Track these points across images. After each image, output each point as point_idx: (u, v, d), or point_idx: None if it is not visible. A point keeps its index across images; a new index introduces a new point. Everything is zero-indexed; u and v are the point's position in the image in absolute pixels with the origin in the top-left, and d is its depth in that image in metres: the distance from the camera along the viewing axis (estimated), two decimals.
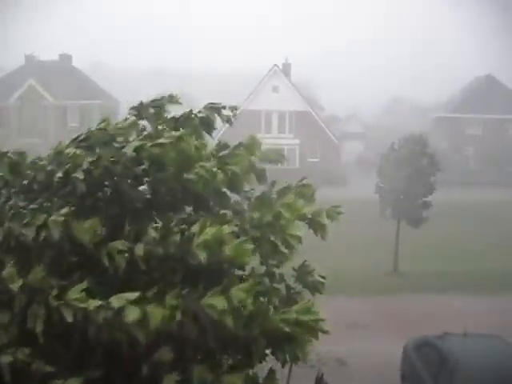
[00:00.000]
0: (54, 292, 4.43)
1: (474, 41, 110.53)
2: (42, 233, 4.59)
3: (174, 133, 5.03)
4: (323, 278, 5.90)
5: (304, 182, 5.79)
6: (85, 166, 4.82)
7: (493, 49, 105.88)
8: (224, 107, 5.80)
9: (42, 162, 5.23)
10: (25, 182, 5.17)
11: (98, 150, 5.05)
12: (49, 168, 5.12)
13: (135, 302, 4.24)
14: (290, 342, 4.83)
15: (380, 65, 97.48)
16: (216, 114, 5.78)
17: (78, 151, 4.99)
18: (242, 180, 5.17)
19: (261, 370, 5.17)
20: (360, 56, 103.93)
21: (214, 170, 4.92)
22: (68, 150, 5.08)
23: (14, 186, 5.23)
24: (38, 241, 4.65)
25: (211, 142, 5.65)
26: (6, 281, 4.52)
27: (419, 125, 51.69)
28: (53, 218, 4.58)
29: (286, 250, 5.17)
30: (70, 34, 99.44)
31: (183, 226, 4.69)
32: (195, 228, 4.54)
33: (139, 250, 4.52)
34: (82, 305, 4.27)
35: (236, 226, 4.94)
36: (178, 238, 4.57)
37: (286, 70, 56.93)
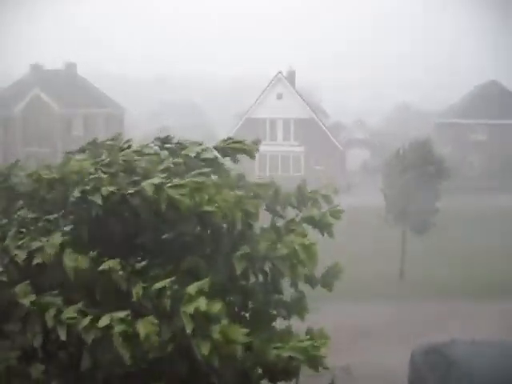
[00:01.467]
0: (52, 312, 4.46)
1: (478, 44, 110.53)
2: (34, 257, 4.65)
3: (193, 180, 5.04)
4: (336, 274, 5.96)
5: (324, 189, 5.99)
6: (104, 192, 4.85)
7: (497, 53, 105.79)
8: (245, 143, 5.82)
9: (56, 176, 5.24)
10: (41, 193, 5.20)
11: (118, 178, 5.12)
12: (62, 187, 5.17)
13: (123, 321, 4.28)
14: (288, 375, 4.85)
15: (383, 71, 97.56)
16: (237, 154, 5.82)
17: (104, 176, 5.03)
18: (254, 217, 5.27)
19: None
20: (362, 58, 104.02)
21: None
22: (90, 170, 5.11)
23: (32, 197, 5.27)
24: (30, 264, 4.70)
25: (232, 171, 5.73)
26: (16, 295, 4.57)
27: (423, 130, 51.64)
28: (49, 243, 4.62)
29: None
30: (71, 41, 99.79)
31: (176, 287, 4.67)
32: (191, 288, 4.51)
33: (135, 296, 4.55)
34: (73, 321, 4.32)
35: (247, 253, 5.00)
36: (168, 302, 4.56)
37: (290, 77, 56.98)
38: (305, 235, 5.28)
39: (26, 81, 55.10)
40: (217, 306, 4.41)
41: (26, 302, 4.52)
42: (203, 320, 4.34)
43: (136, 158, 5.27)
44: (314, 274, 5.71)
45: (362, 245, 29.34)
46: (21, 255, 4.73)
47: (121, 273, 4.61)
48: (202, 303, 4.37)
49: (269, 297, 5.48)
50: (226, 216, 4.92)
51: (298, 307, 5.68)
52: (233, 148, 5.74)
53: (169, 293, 4.58)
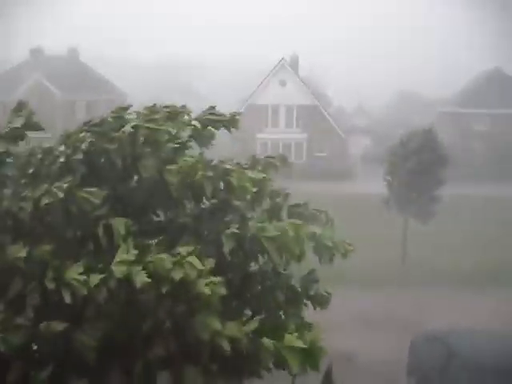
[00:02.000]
0: (50, 274, 4.42)
1: (480, 32, 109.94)
2: (41, 203, 4.60)
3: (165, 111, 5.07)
4: (328, 293, 5.92)
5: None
6: (83, 146, 4.85)
7: (499, 41, 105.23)
8: (224, 115, 5.76)
9: (48, 146, 5.27)
10: (30, 170, 5.17)
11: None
12: (56, 152, 5.14)
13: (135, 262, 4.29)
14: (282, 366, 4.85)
15: (383, 56, 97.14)
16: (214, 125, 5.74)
17: (88, 134, 5.02)
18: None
19: None
20: (364, 46, 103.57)
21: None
22: (78, 134, 5.12)
23: (22, 175, 5.24)
24: (35, 217, 4.67)
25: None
26: (11, 255, 4.54)
27: (426, 119, 51.49)
28: (56, 184, 4.61)
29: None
30: (72, 26, 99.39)
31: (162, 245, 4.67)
32: (183, 250, 4.51)
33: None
34: (81, 283, 4.27)
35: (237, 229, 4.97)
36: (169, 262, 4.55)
37: (293, 63, 56.74)
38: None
39: (26, 65, 54.91)
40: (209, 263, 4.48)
41: (20, 263, 4.48)
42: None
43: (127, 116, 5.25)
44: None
45: (364, 232, 29.32)
46: (26, 206, 4.73)
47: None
48: (194, 260, 4.44)
49: (271, 281, 5.45)
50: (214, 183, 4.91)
51: (292, 306, 5.67)
52: (210, 119, 5.69)
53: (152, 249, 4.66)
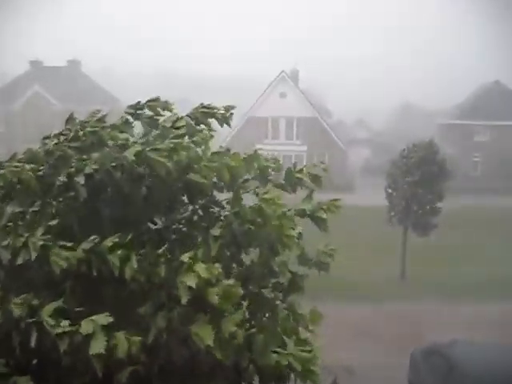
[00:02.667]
0: (23, 311, 4.31)
1: (481, 44, 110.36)
2: (19, 255, 4.45)
3: (168, 142, 4.97)
4: (330, 255, 5.76)
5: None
6: (87, 170, 4.76)
7: (500, 53, 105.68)
8: (218, 108, 5.66)
9: (31, 166, 5.11)
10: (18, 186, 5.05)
11: (94, 154, 4.98)
12: (42, 168, 5.03)
13: (107, 328, 4.06)
14: (279, 379, 4.73)
15: (386, 70, 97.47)
16: (210, 118, 5.63)
17: (73, 153, 4.94)
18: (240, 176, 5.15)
19: None
20: (364, 62, 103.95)
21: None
22: (57, 149, 5.00)
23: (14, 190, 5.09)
24: (13, 263, 4.54)
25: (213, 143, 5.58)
26: None
27: (427, 131, 51.58)
28: (32, 239, 4.46)
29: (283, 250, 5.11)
30: (74, 38, 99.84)
31: (169, 257, 4.55)
32: (185, 257, 4.41)
33: (127, 273, 4.37)
34: (49, 328, 4.10)
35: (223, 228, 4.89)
36: (162, 270, 4.40)
37: (293, 76, 56.95)
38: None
39: (25, 77, 55.10)
40: (215, 270, 4.25)
41: None
42: (201, 285, 4.20)
43: (107, 133, 5.12)
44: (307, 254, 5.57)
45: (364, 244, 29.30)
46: (5, 255, 4.57)
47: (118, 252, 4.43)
48: (200, 269, 4.20)
49: (266, 280, 5.38)
50: (210, 178, 4.84)
51: (293, 288, 5.56)
52: (203, 113, 5.61)
53: (163, 259, 4.44)
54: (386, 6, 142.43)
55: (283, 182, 5.74)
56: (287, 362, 4.52)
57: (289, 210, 5.31)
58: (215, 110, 5.60)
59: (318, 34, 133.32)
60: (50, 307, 4.24)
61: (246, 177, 5.36)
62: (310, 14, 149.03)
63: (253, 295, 5.24)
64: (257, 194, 5.17)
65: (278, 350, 4.59)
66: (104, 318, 4.11)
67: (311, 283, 5.69)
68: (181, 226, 5.24)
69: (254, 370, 4.67)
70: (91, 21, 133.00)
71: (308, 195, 5.69)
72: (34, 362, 4.70)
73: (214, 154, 5.20)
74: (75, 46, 79.36)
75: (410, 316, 20.20)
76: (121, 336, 4.07)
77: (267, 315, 5.29)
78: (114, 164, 4.82)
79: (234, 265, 5.23)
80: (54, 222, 4.69)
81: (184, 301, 4.16)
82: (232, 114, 5.69)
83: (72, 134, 5.09)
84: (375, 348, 17.33)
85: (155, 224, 5.21)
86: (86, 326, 4.06)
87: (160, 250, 4.56)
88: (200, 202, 5.26)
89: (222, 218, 5.21)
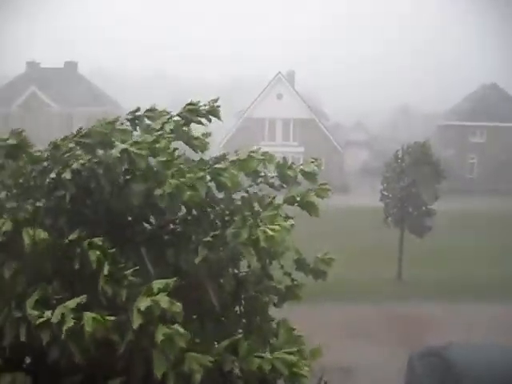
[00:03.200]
0: (13, 303, 4.32)
1: (478, 47, 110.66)
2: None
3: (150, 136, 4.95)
4: (328, 262, 5.70)
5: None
6: (75, 166, 4.74)
7: (496, 56, 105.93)
8: (204, 104, 5.61)
9: (38, 154, 5.12)
10: (20, 180, 5.04)
11: (97, 151, 4.97)
12: (45, 164, 5.02)
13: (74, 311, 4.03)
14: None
15: (382, 72, 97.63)
16: (196, 116, 5.58)
17: (77, 148, 4.92)
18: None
19: None
20: (362, 64, 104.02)
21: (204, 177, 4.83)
22: (65, 143, 5.00)
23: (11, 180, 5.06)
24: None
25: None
26: None
27: (423, 133, 51.71)
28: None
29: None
30: (71, 39, 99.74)
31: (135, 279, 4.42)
32: (155, 284, 4.25)
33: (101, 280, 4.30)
34: (32, 318, 4.08)
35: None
36: (124, 292, 4.30)
37: (290, 77, 57.01)
38: (277, 216, 5.03)
39: (22, 78, 55.05)
40: (177, 307, 4.10)
41: None
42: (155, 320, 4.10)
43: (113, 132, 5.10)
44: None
45: (360, 245, 29.33)
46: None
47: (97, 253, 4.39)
48: (163, 299, 4.08)
49: (261, 283, 5.36)
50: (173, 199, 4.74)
51: (289, 295, 5.53)
52: (190, 111, 5.58)
53: (126, 282, 4.33)
54: (386, 6, 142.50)
55: (275, 176, 5.68)
56: (270, 367, 4.47)
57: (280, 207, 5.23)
58: (201, 106, 5.56)
59: (314, 34, 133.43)
60: (32, 298, 4.24)
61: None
62: (308, 15, 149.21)
63: (249, 299, 5.24)
64: (258, 222, 5.06)
65: (262, 354, 4.53)
66: (73, 301, 4.07)
67: (308, 286, 5.68)
68: (175, 226, 5.22)
69: (237, 374, 4.64)
70: (88, 20, 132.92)
71: (296, 183, 5.62)
72: (27, 359, 4.70)
73: (201, 162, 5.13)
74: (72, 47, 79.19)
75: (408, 317, 20.22)
76: (88, 314, 4.05)
77: (258, 318, 5.28)
78: (96, 160, 4.81)
79: (230, 269, 5.21)
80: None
81: (135, 326, 4.08)
82: (219, 106, 5.63)
83: (84, 131, 5.11)
84: (372, 349, 17.35)
85: (150, 224, 5.19)
86: (57, 312, 4.03)
87: (130, 271, 4.47)
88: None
89: (217, 222, 5.19)
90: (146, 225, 5.20)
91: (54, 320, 4.00)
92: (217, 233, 4.91)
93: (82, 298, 4.10)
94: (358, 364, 16.16)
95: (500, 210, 40.24)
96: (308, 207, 5.40)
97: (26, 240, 4.37)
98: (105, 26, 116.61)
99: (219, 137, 47.54)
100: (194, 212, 5.19)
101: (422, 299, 21.90)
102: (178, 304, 4.13)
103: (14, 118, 51.94)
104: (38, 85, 52.62)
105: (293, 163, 5.85)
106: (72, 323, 3.95)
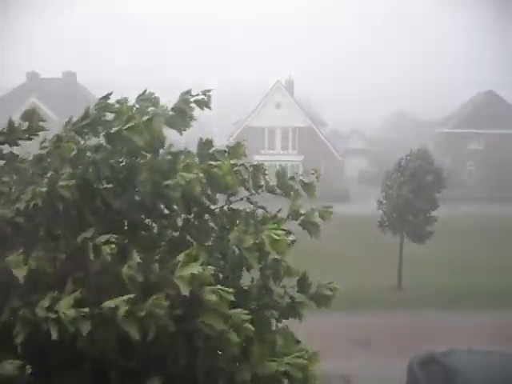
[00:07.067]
0: (46, 302, 4.27)
1: (476, 55, 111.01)
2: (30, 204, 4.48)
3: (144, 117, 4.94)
4: (331, 290, 5.68)
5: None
6: (71, 155, 4.78)
7: (494, 63, 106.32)
8: (197, 94, 5.61)
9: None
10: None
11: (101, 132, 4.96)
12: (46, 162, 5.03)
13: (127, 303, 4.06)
14: None
15: (380, 80, 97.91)
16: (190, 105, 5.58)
17: (75, 138, 4.91)
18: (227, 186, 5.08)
19: None
20: (361, 71, 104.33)
21: (197, 175, 4.81)
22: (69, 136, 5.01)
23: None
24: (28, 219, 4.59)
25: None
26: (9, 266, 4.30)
27: (421, 140, 51.87)
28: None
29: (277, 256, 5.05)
30: (71, 51, 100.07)
31: (162, 256, 4.53)
32: (181, 257, 4.39)
33: (125, 272, 4.29)
34: (71, 314, 4.05)
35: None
36: (156, 267, 4.37)
37: (288, 86, 57.20)
38: (278, 228, 5.04)
39: (22, 89, 55.14)
40: (210, 270, 4.20)
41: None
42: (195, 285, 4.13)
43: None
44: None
45: (360, 253, 29.34)
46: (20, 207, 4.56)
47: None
48: (196, 267, 4.15)
49: (264, 298, 5.36)
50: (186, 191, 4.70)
51: (291, 313, 5.53)
52: (183, 100, 5.58)
53: (157, 257, 4.42)
54: (385, 19, 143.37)
55: (275, 184, 5.70)
56: (285, 369, 4.51)
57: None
58: (194, 96, 5.57)
59: (314, 44, 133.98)
60: (68, 299, 4.21)
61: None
62: (308, 25, 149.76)
63: (251, 313, 5.25)
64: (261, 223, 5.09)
65: (275, 358, 4.58)
66: (124, 297, 4.14)
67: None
68: (173, 231, 5.22)
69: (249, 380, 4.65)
70: (88, 33, 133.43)
71: (300, 199, 5.66)
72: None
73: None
74: (73, 58, 79.52)
75: (408, 325, 20.20)
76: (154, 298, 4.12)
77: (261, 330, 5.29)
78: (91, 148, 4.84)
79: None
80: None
81: (186, 292, 4.12)
82: (210, 96, 5.63)
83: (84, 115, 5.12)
84: (372, 357, 17.34)
85: (149, 230, 5.19)
86: (110, 303, 4.10)
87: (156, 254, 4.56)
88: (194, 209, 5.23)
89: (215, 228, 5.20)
90: (144, 232, 5.21)
91: (110, 305, 4.04)
92: (220, 235, 4.92)
93: (130, 296, 4.10)
94: (357, 372, 16.14)
95: (498, 216, 40.26)
96: (310, 227, 5.43)
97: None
98: (105, 38, 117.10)
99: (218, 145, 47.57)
100: (192, 219, 5.19)
101: (422, 307, 21.88)
102: (210, 267, 4.23)
103: None
104: (38, 95, 52.69)
105: (296, 173, 5.88)
106: (127, 308, 4.01)
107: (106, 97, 5.28)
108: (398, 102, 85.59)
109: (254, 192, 5.46)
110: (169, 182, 4.65)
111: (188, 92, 5.45)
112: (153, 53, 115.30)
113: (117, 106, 5.14)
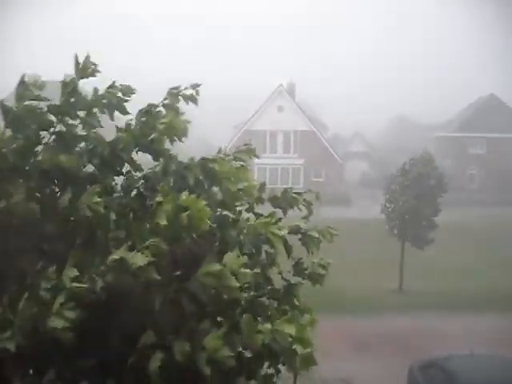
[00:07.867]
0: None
1: (477, 58, 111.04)
2: None
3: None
4: (325, 267, 5.73)
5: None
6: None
7: (495, 67, 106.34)
8: (185, 88, 5.60)
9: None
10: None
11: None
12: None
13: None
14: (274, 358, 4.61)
15: (381, 80, 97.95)
16: (179, 98, 5.56)
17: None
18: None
19: None
20: (361, 71, 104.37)
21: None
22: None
23: None
24: None
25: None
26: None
27: (422, 143, 51.92)
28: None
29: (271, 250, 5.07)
30: (70, 53, 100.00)
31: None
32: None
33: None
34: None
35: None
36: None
37: (290, 89, 57.23)
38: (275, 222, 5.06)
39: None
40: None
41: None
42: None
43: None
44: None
45: (361, 257, 29.32)
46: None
47: None
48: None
49: (261, 288, 5.36)
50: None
51: (288, 296, 5.53)
52: (171, 94, 5.57)
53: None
54: (385, 19, 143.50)
55: (279, 197, 5.72)
56: (270, 339, 4.35)
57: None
58: (181, 90, 5.56)
59: (316, 47, 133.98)
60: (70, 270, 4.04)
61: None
62: (308, 27, 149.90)
63: (248, 302, 5.22)
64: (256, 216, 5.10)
65: (262, 328, 4.43)
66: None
67: (309, 297, 5.70)
68: None
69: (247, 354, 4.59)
70: (88, 35, 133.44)
71: (305, 216, 5.71)
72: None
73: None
74: (72, 58, 79.25)
75: (408, 328, 20.16)
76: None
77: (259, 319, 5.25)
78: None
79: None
80: None
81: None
82: (198, 91, 5.60)
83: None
84: (373, 361, 17.31)
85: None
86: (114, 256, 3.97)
87: None
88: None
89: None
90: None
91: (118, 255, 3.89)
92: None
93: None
94: (358, 375, 16.11)
95: (500, 220, 40.23)
96: (308, 241, 5.47)
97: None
98: (105, 40, 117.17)
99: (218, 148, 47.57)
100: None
101: (423, 311, 21.85)
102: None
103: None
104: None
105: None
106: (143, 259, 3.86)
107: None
108: (398, 105, 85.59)
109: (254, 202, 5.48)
110: None
111: (176, 87, 5.46)
112: (153, 53, 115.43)
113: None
